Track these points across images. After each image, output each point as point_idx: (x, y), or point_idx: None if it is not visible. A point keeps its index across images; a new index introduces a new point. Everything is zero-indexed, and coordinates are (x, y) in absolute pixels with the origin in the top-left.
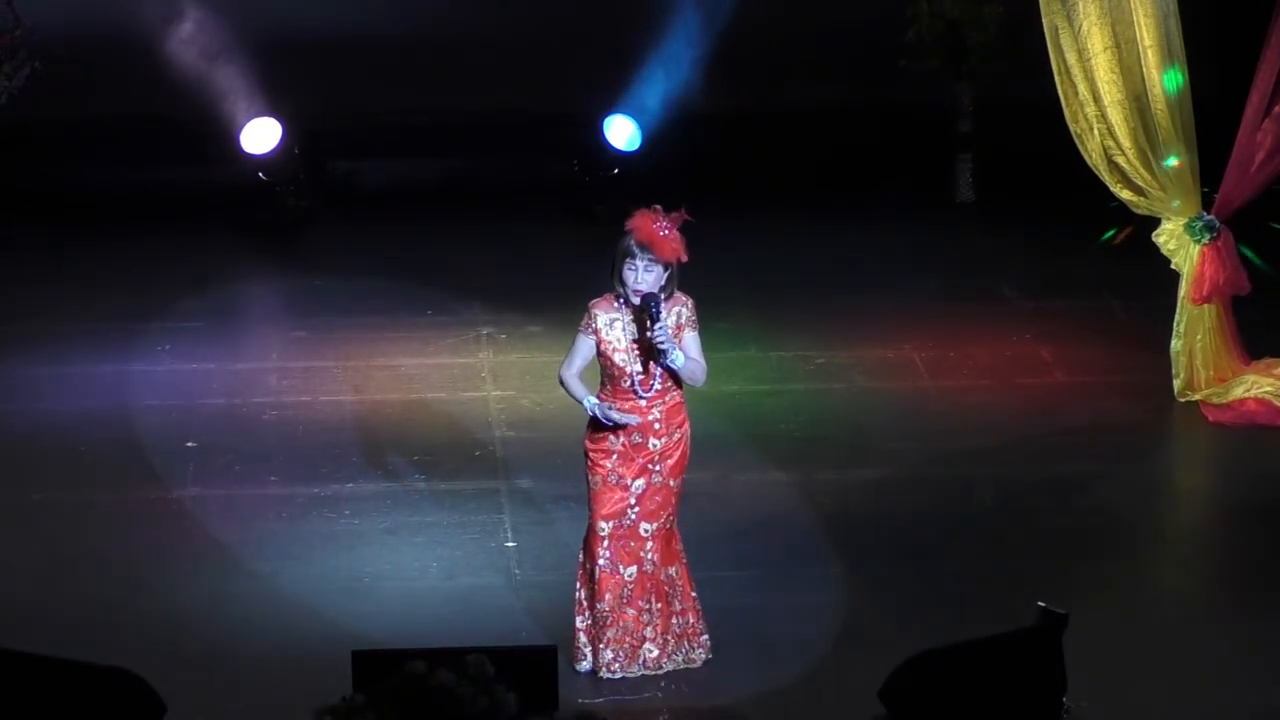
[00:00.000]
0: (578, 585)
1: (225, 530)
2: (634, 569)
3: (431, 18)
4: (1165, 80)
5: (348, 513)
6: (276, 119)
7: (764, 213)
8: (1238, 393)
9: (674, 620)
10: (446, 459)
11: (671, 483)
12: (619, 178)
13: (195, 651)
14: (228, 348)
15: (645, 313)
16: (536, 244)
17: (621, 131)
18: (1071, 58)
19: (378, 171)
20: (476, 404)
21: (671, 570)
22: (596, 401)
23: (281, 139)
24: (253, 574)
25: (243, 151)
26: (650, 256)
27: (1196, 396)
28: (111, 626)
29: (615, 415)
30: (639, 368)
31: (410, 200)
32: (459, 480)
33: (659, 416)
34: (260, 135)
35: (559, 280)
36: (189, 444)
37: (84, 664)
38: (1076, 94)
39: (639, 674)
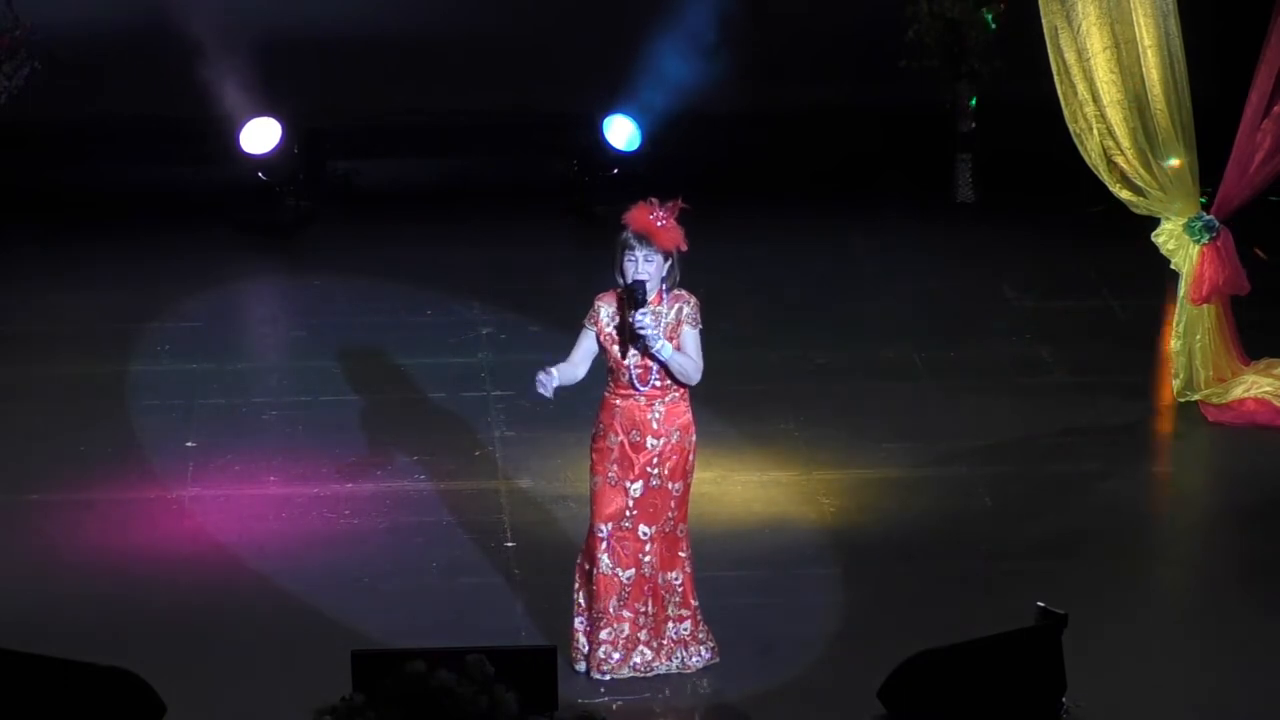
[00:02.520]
0: (576, 586)
1: (225, 530)
2: (632, 571)
3: (432, 18)
4: None
5: (348, 513)
6: (276, 119)
7: (764, 212)
8: (1237, 393)
9: (669, 626)
10: (446, 459)
11: (671, 486)
12: (619, 178)
13: (195, 651)
14: (228, 348)
15: (630, 300)
16: (536, 244)
17: (621, 131)
18: (1071, 58)
19: (378, 171)
20: (476, 404)
21: (671, 575)
22: (545, 373)
23: (281, 139)
24: (253, 574)
25: (243, 151)
26: (649, 247)
27: (1196, 396)
28: (111, 626)
29: (542, 381)
30: (635, 361)
31: (410, 200)
32: (459, 480)
33: (659, 415)
34: (260, 135)
35: (559, 280)
36: (189, 444)
37: (84, 664)
38: (1076, 94)
39: (628, 676)
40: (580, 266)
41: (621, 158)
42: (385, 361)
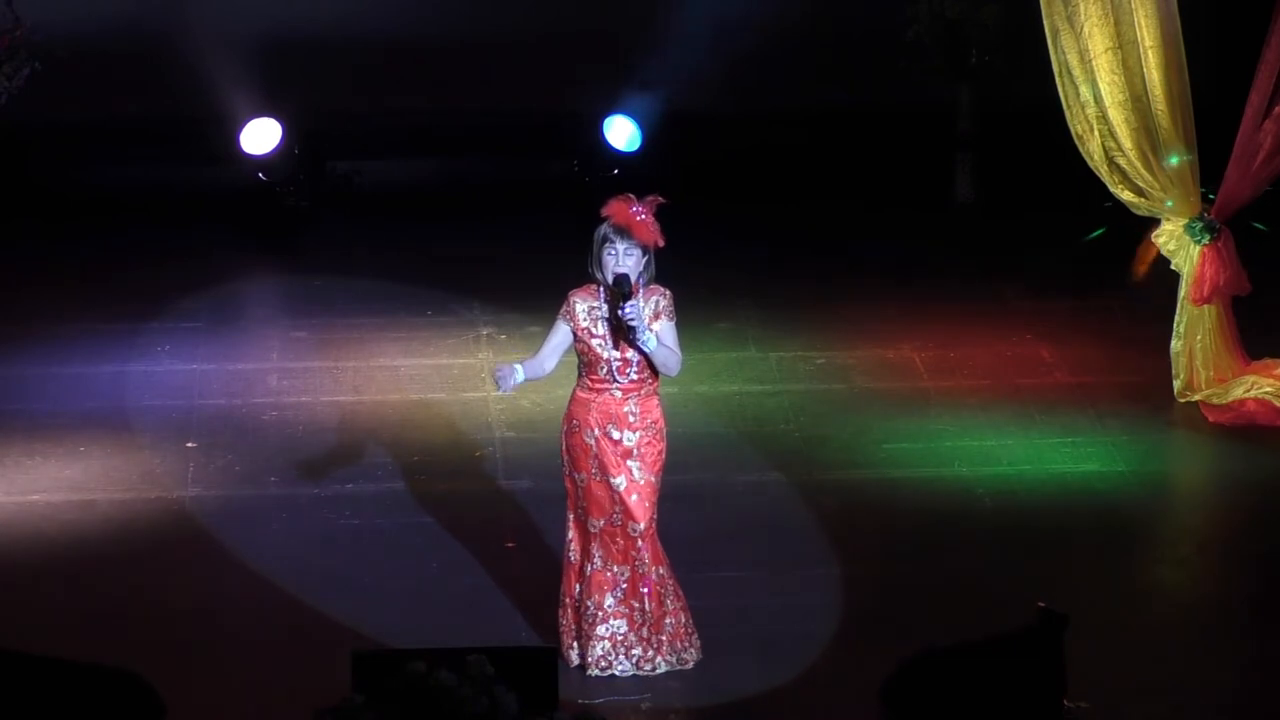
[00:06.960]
0: (565, 583)
1: (225, 530)
2: (627, 569)
3: (432, 18)
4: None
5: (348, 513)
6: (276, 119)
7: (763, 213)
8: (1237, 393)
9: (667, 621)
10: (446, 460)
11: (651, 478)
12: (619, 178)
13: (195, 651)
14: (228, 348)
15: (618, 293)
16: (536, 245)
17: (621, 131)
18: (1073, 59)
19: (378, 171)
20: (476, 405)
21: (663, 569)
22: (507, 367)
23: (281, 139)
24: (253, 574)
25: (243, 151)
26: (630, 241)
27: (1196, 397)
28: (112, 626)
29: (502, 375)
30: (616, 354)
31: (410, 200)
32: (459, 481)
33: (634, 410)
34: (260, 135)
35: (559, 281)
36: (189, 444)
37: (85, 664)
38: (1077, 95)
39: (630, 673)
40: (580, 267)
41: (621, 158)
42: (385, 362)
